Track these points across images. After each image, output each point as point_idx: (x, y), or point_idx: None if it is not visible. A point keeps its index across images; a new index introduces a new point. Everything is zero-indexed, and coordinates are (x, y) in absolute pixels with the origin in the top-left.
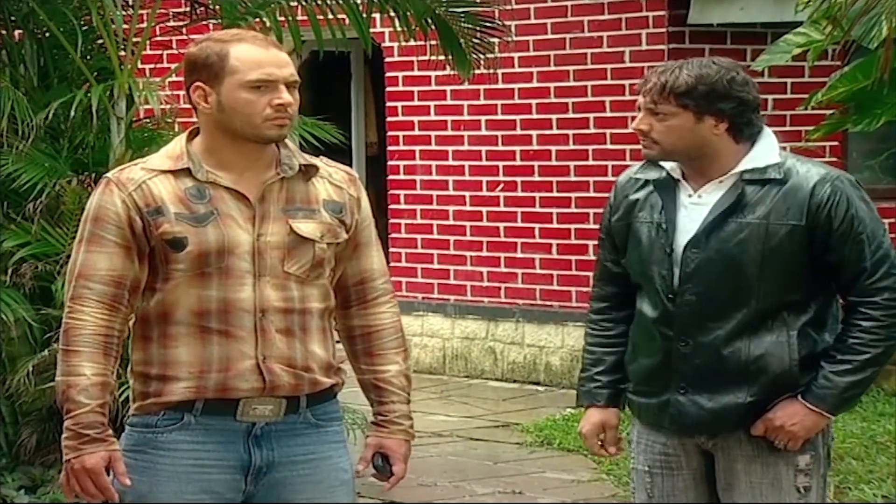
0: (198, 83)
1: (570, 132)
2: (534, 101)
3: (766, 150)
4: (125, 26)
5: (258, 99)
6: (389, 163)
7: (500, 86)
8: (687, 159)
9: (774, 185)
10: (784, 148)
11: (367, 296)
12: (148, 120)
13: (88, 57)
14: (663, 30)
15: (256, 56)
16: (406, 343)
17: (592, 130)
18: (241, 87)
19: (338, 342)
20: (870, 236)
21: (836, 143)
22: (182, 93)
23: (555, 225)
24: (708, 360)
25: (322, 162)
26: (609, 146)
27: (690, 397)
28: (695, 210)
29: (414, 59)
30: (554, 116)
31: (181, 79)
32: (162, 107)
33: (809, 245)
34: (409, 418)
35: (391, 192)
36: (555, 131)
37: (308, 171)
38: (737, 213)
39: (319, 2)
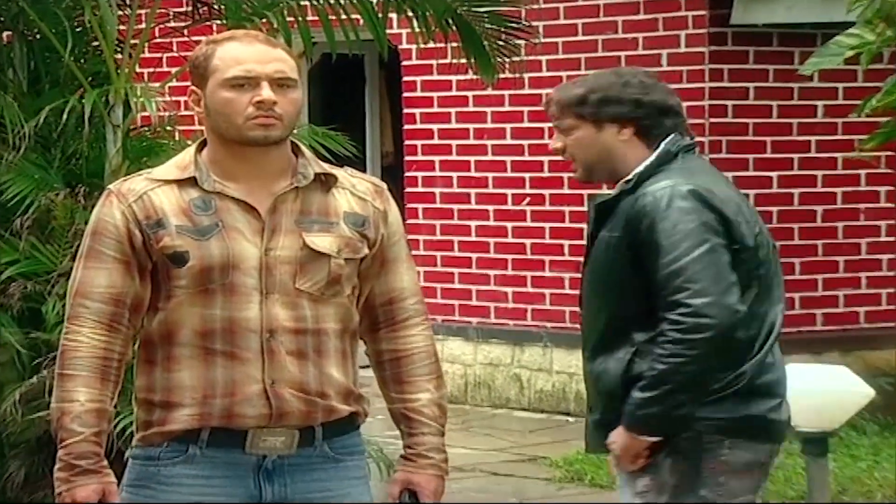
0: (192, 87)
1: None
2: None
3: (647, 161)
4: (122, 27)
5: (239, 97)
6: (407, 174)
7: (527, 91)
8: (606, 174)
9: (625, 198)
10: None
11: (397, 317)
12: (147, 128)
13: (82, 60)
14: (704, 31)
15: (238, 53)
16: (440, 369)
17: None
18: (221, 85)
19: (367, 366)
20: (666, 248)
21: (891, 153)
22: (183, 99)
23: (585, 241)
24: (586, 376)
25: (346, 172)
26: None
27: (587, 414)
28: None
29: (433, 62)
30: None
31: (182, 83)
32: (161, 114)
33: (632, 258)
34: (441, 451)
35: (408, 205)
36: None
37: (327, 181)
38: (602, 228)
39: (332, 1)
